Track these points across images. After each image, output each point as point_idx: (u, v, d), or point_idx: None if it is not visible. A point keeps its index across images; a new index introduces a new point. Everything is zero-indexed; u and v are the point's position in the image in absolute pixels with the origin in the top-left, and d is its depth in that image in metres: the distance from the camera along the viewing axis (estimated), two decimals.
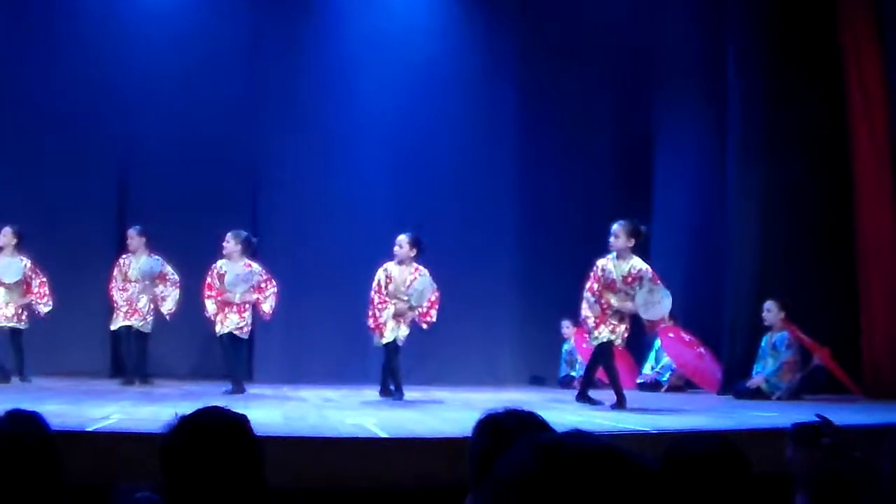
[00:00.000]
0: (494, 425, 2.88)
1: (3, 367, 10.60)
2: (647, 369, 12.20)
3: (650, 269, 8.92)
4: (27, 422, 2.56)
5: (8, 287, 10.82)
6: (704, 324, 11.91)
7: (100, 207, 12.60)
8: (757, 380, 10.35)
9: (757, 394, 10.16)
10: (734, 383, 10.62)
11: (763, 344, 10.54)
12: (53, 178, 12.23)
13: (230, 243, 10.10)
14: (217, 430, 2.40)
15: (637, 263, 8.89)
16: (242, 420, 2.44)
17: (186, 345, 12.37)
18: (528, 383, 12.90)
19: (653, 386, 11.80)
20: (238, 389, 9.70)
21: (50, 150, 12.30)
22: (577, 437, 1.28)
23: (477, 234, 13.11)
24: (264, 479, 2.43)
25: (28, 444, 2.47)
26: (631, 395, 9.23)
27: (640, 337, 11.73)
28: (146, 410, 6.90)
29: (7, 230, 10.82)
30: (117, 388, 9.94)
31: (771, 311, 10.35)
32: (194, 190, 12.42)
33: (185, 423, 2.41)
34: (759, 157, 10.98)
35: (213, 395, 8.70)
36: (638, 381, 11.97)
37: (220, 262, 10.17)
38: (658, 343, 12.02)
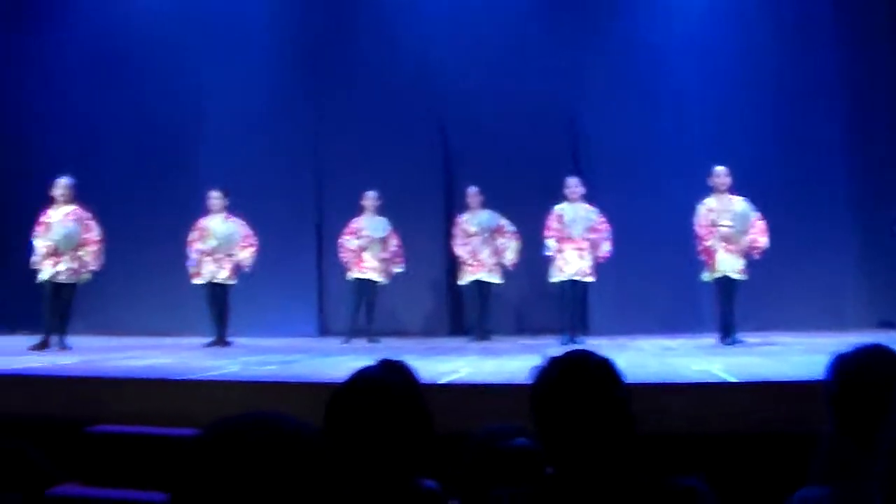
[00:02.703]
0: (855, 364, 2.67)
1: (353, 328, 11.31)
2: None
3: None
4: (399, 370, 2.65)
5: (374, 241, 11.56)
6: None
7: (428, 169, 13.12)
8: None
9: None
10: None
11: None
12: (386, 142, 12.87)
13: (579, 188, 10.68)
14: (587, 370, 2.37)
15: None
16: (609, 362, 2.41)
17: (516, 301, 12.63)
18: (875, 327, 12.12)
19: None
20: (574, 340, 9.80)
21: (384, 118, 12.96)
22: None
23: (809, 171, 12.48)
24: (632, 418, 2.39)
25: (400, 392, 2.54)
26: None
27: None
28: (491, 364, 7.06)
29: (372, 193, 11.65)
30: (459, 345, 10.26)
31: None
32: (516, 145, 12.62)
33: (554, 364, 2.40)
34: None
35: (551, 348, 8.78)
36: None
37: (559, 206, 10.60)
38: None
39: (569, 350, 2.50)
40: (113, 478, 5.16)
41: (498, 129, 12.67)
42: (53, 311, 9.89)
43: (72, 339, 9.95)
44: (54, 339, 9.79)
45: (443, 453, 2.73)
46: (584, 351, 2.48)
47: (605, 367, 2.40)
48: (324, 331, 13.17)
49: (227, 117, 13.35)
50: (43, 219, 10.12)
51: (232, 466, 1.25)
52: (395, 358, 2.76)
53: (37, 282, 10.05)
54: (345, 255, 11.72)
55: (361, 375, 2.57)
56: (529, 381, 2.45)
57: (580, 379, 2.36)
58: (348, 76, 13.21)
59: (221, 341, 10.63)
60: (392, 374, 2.62)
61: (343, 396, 2.50)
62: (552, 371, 2.42)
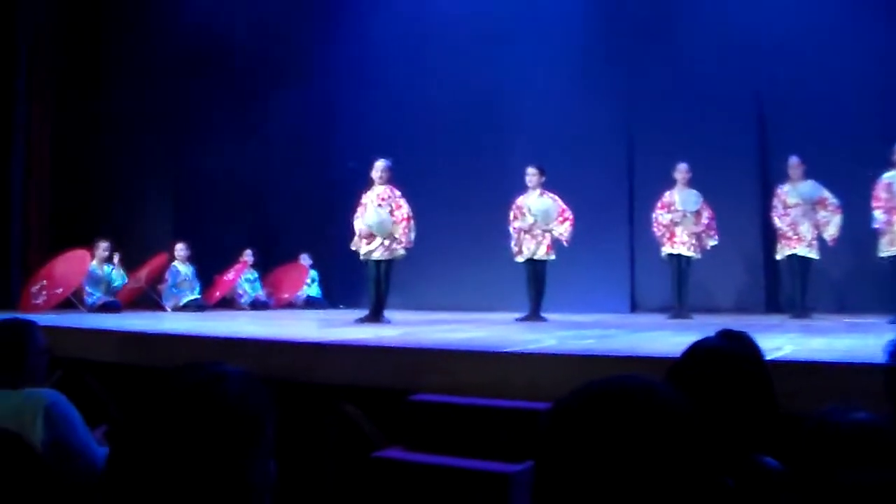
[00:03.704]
0: None
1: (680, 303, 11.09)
2: None
3: None
4: (740, 340, 2.53)
5: (686, 215, 11.33)
6: None
7: (740, 143, 12.66)
8: None
9: None
10: None
11: None
12: (698, 111, 12.56)
13: None
14: None
15: None
16: None
17: (837, 277, 11.94)
18: None
19: None
20: None
21: (696, 86, 12.66)
22: None
23: None
24: None
25: (742, 362, 2.43)
26: None
27: None
28: (818, 342, 6.67)
29: (684, 166, 11.45)
30: (778, 322, 9.80)
31: None
32: (838, 111, 11.85)
33: None
34: None
35: (879, 327, 8.24)
36: None
37: (888, 174, 10.01)
38: None
39: None
40: (433, 444, 5.29)
41: (818, 93, 11.97)
42: (376, 287, 10.29)
43: (389, 314, 10.32)
44: (378, 313, 10.20)
45: (780, 433, 2.56)
46: None
47: None
48: (635, 307, 13.05)
49: (539, 93, 13.50)
50: (362, 200, 10.51)
51: (606, 432, 1.21)
52: (735, 328, 2.63)
53: (360, 260, 10.46)
54: (658, 230, 11.50)
55: (701, 345, 2.47)
56: (885, 360, 2.26)
57: None
58: (659, 46, 12.98)
59: (535, 316, 10.72)
60: (733, 344, 2.50)
61: (683, 367, 2.42)
62: None
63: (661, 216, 11.44)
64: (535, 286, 10.92)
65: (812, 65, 12.06)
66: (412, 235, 10.33)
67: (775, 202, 11.12)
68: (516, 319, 10.53)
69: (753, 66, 12.44)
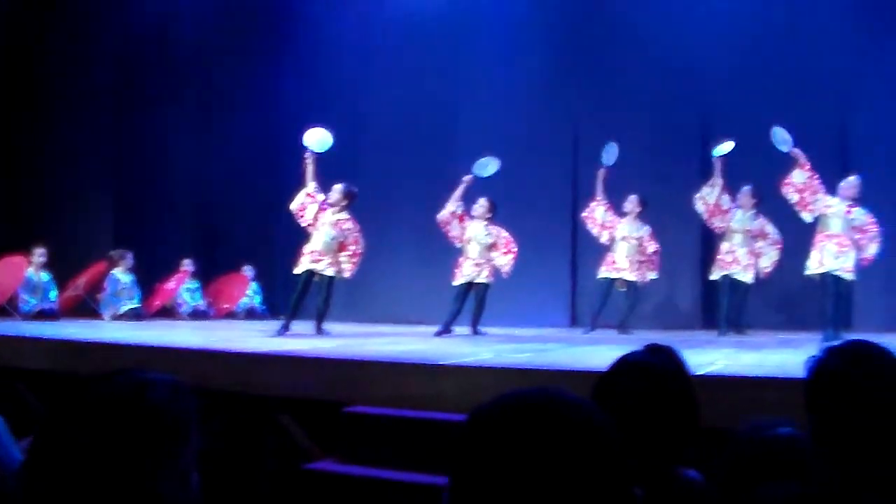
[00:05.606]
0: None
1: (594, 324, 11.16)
2: None
3: None
4: (665, 354, 2.55)
5: (630, 242, 11.47)
6: None
7: (684, 166, 12.77)
8: None
9: None
10: None
11: None
12: (645, 140, 12.62)
13: (852, 189, 9.80)
14: (874, 360, 2.18)
15: None
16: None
17: (778, 295, 12.09)
18: None
19: None
20: (837, 336, 9.24)
21: (642, 115, 12.78)
22: None
23: None
24: None
25: (667, 376, 2.46)
26: None
27: None
28: (750, 357, 6.78)
29: (634, 197, 11.50)
30: (712, 338, 9.92)
31: None
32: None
33: (835, 355, 2.22)
34: None
35: (811, 343, 8.35)
36: None
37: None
38: None
39: (849, 340, 2.32)
40: (368, 457, 5.28)
41: (764, 119, 11.99)
42: (300, 300, 10.15)
43: (330, 326, 10.24)
44: (297, 324, 10.05)
45: (704, 447, 2.61)
46: (865, 341, 2.29)
47: (891, 357, 2.20)
48: (575, 321, 13.15)
49: (485, 111, 13.54)
50: (318, 218, 10.24)
51: (514, 443, 1.23)
52: (661, 343, 2.66)
53: (294, 273, 10.29)
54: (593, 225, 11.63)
55: (628, 359, 2.50)
56: (805, 374, 2.30)
57: (867, 369, 2.17)
58: (605, 73, 13.07)
59: (473, 331, 10.72)
60: (658, 358, 2.53)
61: (609, 380, 2.45)
62: (833, 362, 2.25)
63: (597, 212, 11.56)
64: (476, 306, 10.87)
65: (758, 89, 12.17)
66: (356, 270, 10.30)
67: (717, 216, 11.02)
68: (434, 332, 10.44)
69: (699, 91, 12.58)
